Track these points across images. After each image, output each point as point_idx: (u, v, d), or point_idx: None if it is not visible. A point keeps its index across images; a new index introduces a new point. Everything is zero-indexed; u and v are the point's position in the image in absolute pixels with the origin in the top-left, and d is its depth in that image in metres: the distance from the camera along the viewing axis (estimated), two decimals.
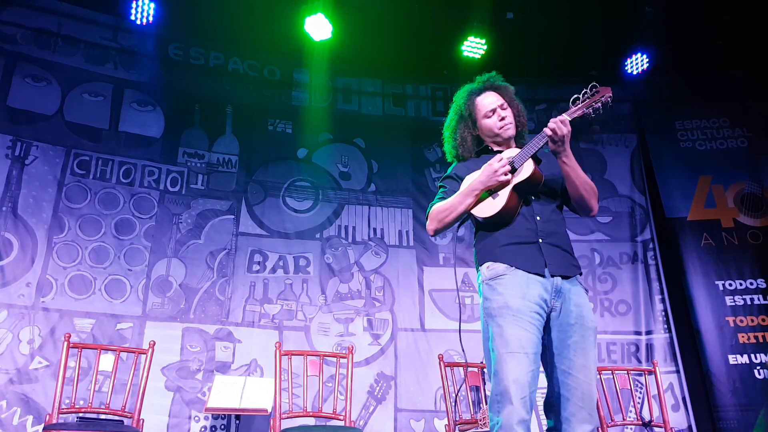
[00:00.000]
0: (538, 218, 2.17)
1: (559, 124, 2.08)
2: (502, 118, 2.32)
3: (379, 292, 5.12)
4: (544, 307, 2.05)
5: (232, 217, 5.08)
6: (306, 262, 5.10)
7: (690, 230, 5.31)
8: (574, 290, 2.10)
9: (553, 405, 2.04)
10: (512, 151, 2.25)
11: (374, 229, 5.34)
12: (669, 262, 5.29)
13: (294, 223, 5.23)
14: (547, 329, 2.08)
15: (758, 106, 5.53)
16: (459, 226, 2.39)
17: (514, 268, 2.08)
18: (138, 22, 5.15)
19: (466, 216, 2.27)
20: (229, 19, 5.28)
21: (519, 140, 2.39)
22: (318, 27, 5.08)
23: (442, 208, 2.25)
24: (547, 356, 2.08)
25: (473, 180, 2.21)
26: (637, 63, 5.64)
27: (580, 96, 2.17)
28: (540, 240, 2.13)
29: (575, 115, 2.14)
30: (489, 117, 2.33)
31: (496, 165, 2.15)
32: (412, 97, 5.95)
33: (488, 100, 2.35)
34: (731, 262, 5.15)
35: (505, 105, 2.35)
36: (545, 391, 2.12)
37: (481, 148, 2.41)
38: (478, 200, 2.20)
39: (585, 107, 2.14)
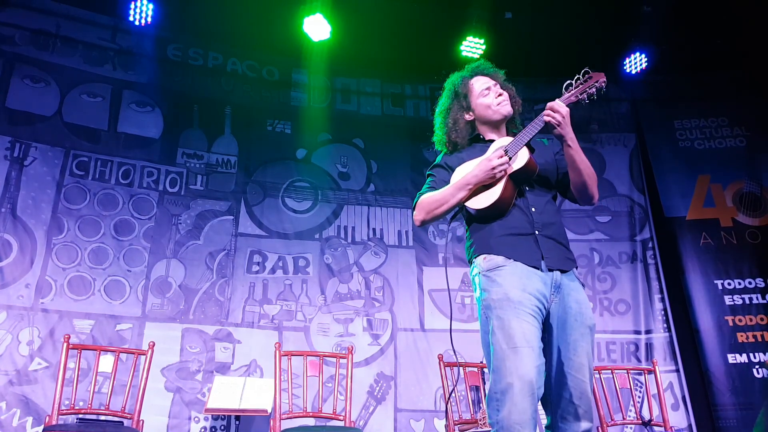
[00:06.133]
0: (533, 209, 2.10)
1: (556, 107, 2.04)
2: (499, 95, 2.26)
3: (379, 293, 5.12)
4: (544, 302, 1.99)
5: (231, 217, 5.08)
6: (305, 262, 5.10)
7: (689, 229, 5.32)
8: (573, 286, 2.05)
9: (550, 403, 2.01)
10: (505, 140, 2.16)
11: (373, 230, 5.34)
12: (668, 262, 5.29)
13: (293, 223, 5.22)
14: (545, 326, 2.03)
15: (757, 105, 5.53)
16: (451, 220, 2.29)
17: (512, 260, 2.02)
18: (136, 22, 5.15)
19: (457, 209, 2.18)
20: (228, 19, 5.28)
21: (510, 126, 2.33)
22: (317, 27, 5.08)
23: (433, 200, 2.15)
24: (545, 353, 2.01)
25: (467, 173, 2.12)
26: (635, 62, 5.64)
27: (573, 82, 2.12)
28: (536, 232, 2.07)
29: (569, 102, 2.08)
30: (485, 95, 2.27)
31: (495, 162, 2.05)
32: (410, 97, 5.95)
33: (482, 81, 2.31)
34: (730, 261, 5.16)
35: (499, 86, 2.29)
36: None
37: (473, 137, 2.32)
38: (472, 193, 2.13)
39: (579, 93, 2.08)
